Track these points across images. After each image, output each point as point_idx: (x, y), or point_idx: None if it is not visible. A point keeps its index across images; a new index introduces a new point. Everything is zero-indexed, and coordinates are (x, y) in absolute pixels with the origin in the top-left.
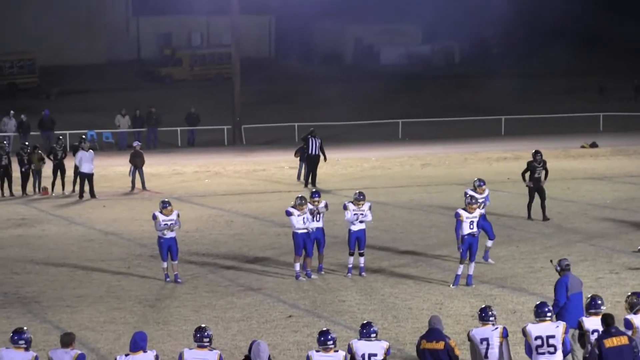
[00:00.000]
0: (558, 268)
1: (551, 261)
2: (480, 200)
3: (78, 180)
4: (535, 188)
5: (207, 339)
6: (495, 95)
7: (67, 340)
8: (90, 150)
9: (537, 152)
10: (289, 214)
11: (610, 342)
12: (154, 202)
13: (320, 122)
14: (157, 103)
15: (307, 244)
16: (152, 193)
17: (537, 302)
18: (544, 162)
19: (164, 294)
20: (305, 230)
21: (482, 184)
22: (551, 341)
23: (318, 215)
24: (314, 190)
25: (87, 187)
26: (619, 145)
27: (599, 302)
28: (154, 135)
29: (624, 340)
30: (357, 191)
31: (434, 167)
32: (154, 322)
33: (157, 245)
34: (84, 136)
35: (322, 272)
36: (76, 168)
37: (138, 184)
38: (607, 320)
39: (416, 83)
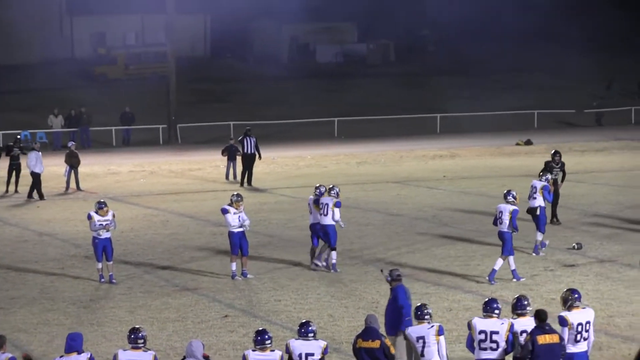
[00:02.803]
0: (389, 278)
1: (382, 271)
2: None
3: (13, 179)
4: (554, 190)
5: (142, 340)
6: (431, 93)
7: None
8: (40, 151)
9: (555, 153)
10: (224, 211)
11: (543, 339)
12: (89, 202)
13: (256, 121)
14: (92, 102)
15: (243, 243)
16: (87, 193)
17: (487, 299)
18: (563, 164)
19: (99, 295)
20: (241, 229)
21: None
22: (494, 337)
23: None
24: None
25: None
26: (554, 142)
27: (525, 302)
28: (86, 135)
29: (555, 338)
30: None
31: (369, 165)
32: (88, 323)
33: (92, 245)
34: (18, 137)
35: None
36: (11, 168)
37: (72, 184)
38: (541, 316)
39: (352, 81)
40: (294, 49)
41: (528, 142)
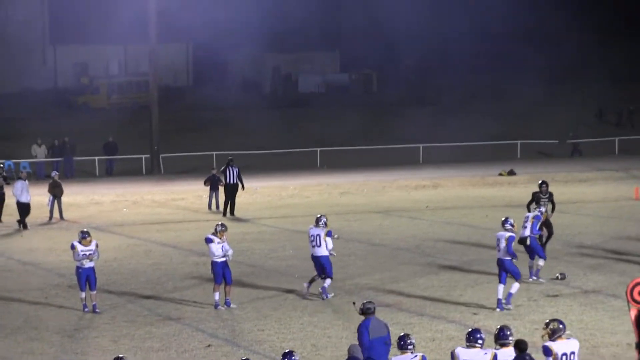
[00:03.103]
0: (360, 312)
1: (354, 303)
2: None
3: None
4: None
5: None
6: (413, 123)
7: None
8: (26, 180)
9: (542, 183)
10: (209, 240)
11: None
12: (72, 231)
13: (238, 151)
14: (75, 132)
15: (226, 272)
16: (70, 223)
17: (471, 329)
18: (551, 194)
19: (82, 325)
20: (224, 259)
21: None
22: None
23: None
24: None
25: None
26: (537, 173)
27: (508, 332)
28: (70, 165)
29: None
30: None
31: (352, 195)
32: (72, 352)
33: (76, 275)
34: (1, 165)
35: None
36: None
37: (56, 214)
38: (521, 346)
39: (334, 111)
40: (276, 79)
41: (511, 173)
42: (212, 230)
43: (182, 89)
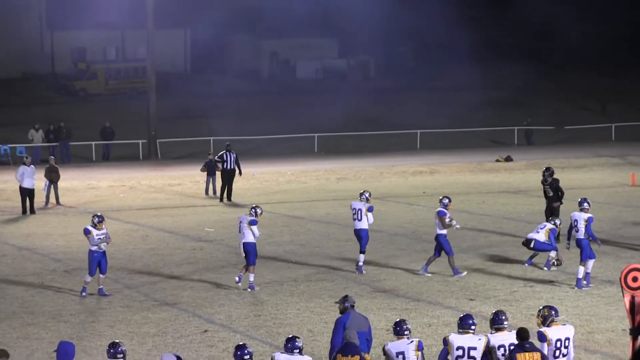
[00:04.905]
0: (340, 309)
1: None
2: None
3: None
4: (548, 207)
5: (121, 355)
6: (411, 109)
7: None
8: (32, 166)
9: (545, 170)
10: (256, 222)
11: (523, 357)
12: (69, 217)
13: (236, 137)
14: (72, 117)
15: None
16: (66, 208)
17: (462, 315)
18: (553, 181)
19: (78, 309)
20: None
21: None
22: (472, 353)
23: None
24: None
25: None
26: (534, 159)
27: (502, 317)
28: (66, 150)
29: (536, 357)
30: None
31: (349, 181)
32: (68, 337)
33: (88, 259)
34: None
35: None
36: None
37: (52, 199)
38: (522, 334)
39: (332, 97)
40: (274, 65)
41: (508, 159)
42: (251, 212)
43: (179, 75)
